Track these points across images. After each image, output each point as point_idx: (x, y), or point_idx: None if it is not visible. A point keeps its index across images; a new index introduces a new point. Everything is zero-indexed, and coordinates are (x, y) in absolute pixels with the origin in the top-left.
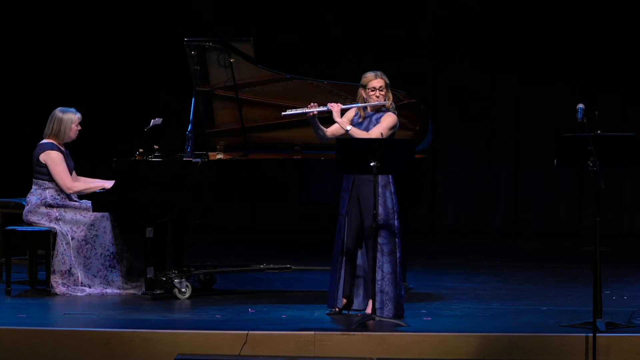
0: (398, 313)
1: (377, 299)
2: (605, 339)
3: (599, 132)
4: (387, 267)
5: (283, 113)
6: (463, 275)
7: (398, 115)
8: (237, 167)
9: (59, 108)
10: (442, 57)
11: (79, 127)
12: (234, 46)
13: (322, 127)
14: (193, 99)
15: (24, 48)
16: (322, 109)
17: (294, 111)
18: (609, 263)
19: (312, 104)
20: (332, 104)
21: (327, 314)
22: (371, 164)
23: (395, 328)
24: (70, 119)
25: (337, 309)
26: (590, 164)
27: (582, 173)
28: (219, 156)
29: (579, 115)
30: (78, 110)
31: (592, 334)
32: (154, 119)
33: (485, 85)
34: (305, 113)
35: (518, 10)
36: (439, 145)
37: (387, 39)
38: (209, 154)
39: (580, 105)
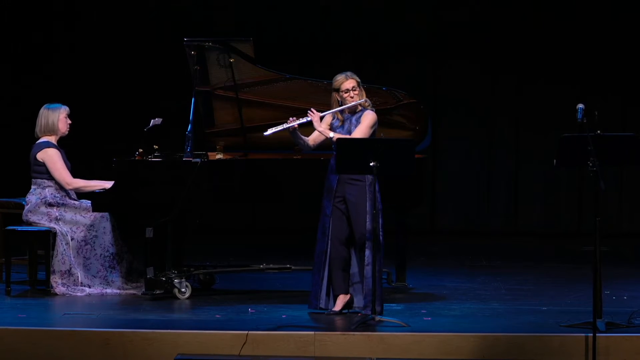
0: (380, 308)
1: (355, 293)
2: (605, 339)
3: (598, 132)
4: (372, 266)
5: (265, 133)
6: (463, 275)
7: (397, 115)
8: (237, 167)
9: (44, 105)
10: (442, 57)
11: (69, 120)
12: (234, 46)
13: (303, 137)
14: (193, 99)
15: (23, 48)
16: (302, 120)
17: (275, 129)
18: (609, 263)
19: (291, 118)
20: (311, 113)
21: (308, 314)
22: (371, 164)
23: (395, 328)
24: (57, 112)
25: (319, 308)
26: (590, 164)
27: (582, 173)
28: (219, 156)
29: (579, 115)
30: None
31: (592, 334)
32: (154, 119)
33: (485, 85)
34: (287, 128)
35: (518, 11)
36: (439, 145)
37: (387, 38)
38: (209, 154)
39: (580, 105)
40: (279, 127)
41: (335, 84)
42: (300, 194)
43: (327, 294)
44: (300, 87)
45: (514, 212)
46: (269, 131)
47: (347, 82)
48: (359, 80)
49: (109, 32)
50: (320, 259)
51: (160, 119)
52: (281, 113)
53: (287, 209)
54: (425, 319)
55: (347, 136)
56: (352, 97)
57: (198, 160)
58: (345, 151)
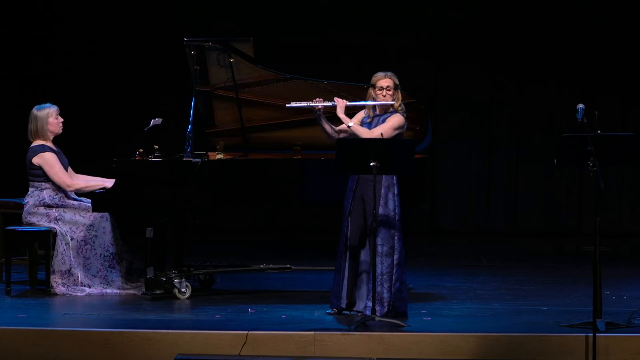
0: (390, 314)
1: (370, 297)
2: (605, 339)
3: (599, 132)
4: (380, 268)
5: (287, 105)
6: (463, 275)
7: None
8: (237, 167)
9: (35, 107)
10: (443, 57)
11: (60, 119)
12: (234, 46)
13: (330, 125)
14: (193, 99)
15: (23, 48)
16: (327, 103)
17: (299, 104)
18: (609, 263)
19: (317, 98)
20: (338, 99)
21: (328, 314)
22: (371, 164)
23: (395, 328)
24: (46, 113)
25: (340, 308)
26: (590, 164)
27: (582, 173)
28: (219, 156)
29: (579, 115)
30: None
31: (592, 334)
32: (154, 119)
33: (485, 86)
34: (311, 107)
35: (518, 11)
36: (439, 145)
37: (387, 39)
38: (209, 154)
39: (580, 105)
40: (303, 103)
41: (373, 79)
42: (300, 194)
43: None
44: (300, 87)
45: (514, 212)
46: (292, 104)
47: (384, 80)
48: (397, 82)
49: (109, 32)
50: (341, 259)
51: (160, 119)
52: (281, 113)
53: (287, 209)
54: (425, 319)
55: (367, 130)
56: (384, 96)
57: (198, 160)
58: (345, 151)
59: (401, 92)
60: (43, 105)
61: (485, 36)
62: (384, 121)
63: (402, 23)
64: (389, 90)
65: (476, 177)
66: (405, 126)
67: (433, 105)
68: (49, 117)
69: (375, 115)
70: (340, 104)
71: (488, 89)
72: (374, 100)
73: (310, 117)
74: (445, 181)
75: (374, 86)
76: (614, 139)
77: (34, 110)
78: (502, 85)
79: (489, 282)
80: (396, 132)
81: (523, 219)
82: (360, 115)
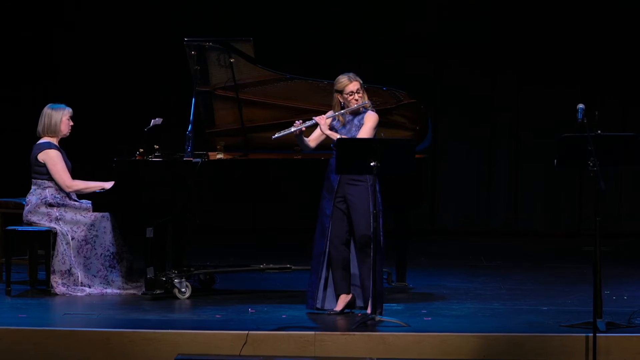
0: (377, 310)
1: (356, 293)
2: (605, 339)
3: (599, 132)
4: (368, 264)
5: (273, 137)
6: (463, 275)
7: (398, 115)
8: (237, 167)
9: (48, 104)
10: (443, 57)
11: (71, 122)
12: (234, 46)
13: (305, 139)
14: (193, 99)
15: (23, 48)
16: (309, 123)
17: (283, 132)
18: (609, 263)
19: (297, 122)
20: (318, 117)
21: (308, 314)
22: (371, 164)
23: (395, 328)
24: (60, 113)
25: (315, 309)
26: (590, 164)
27: (582, 173)
28: (219, 156)
29: (579, 115)
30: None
31: (592, 334)
32: (154, 119)
33: (485, 86)
34: (294, 132)
35: (518, 11)
36: (439, 145)
37: (387, 38)
38: (209, 154)
39: (581, 105)
40: (287, 131)
41: (338, 85)
42: (300, 194)
43: (324, 294)
44: (300, 87)
45: (514, 212)
46: (277, 135)
47: (352, 85)
48: (361, 81)
49: (109, 32)
50: (318, 260)
51: (161, 119)
52: (282, 113)
53: (287, 209)
54: (425, 319)
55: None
56: (356, 100)
57: (198, 160)
58: (345, 151)
59: (401, 92)
60: (58, 104)
61: (486, 36)
62: (359, 122)
63: (402, 23)
64: (359, 92)
65: (476, 177)
66: (378, 122)
67: (433, 105)
68: (64, 116)
69: (347, 119)
70: (322, 121)
71: (488, 89)
72: (343, 104)
73: (310, 118)
74: (445, 181)
75: (341, 92)
76: (614, 139)
77: (48, 109)
78: (502, 85)
79: (489, 282)
80: (375, 130)
81: (523, 219)
82: (329, 121)
